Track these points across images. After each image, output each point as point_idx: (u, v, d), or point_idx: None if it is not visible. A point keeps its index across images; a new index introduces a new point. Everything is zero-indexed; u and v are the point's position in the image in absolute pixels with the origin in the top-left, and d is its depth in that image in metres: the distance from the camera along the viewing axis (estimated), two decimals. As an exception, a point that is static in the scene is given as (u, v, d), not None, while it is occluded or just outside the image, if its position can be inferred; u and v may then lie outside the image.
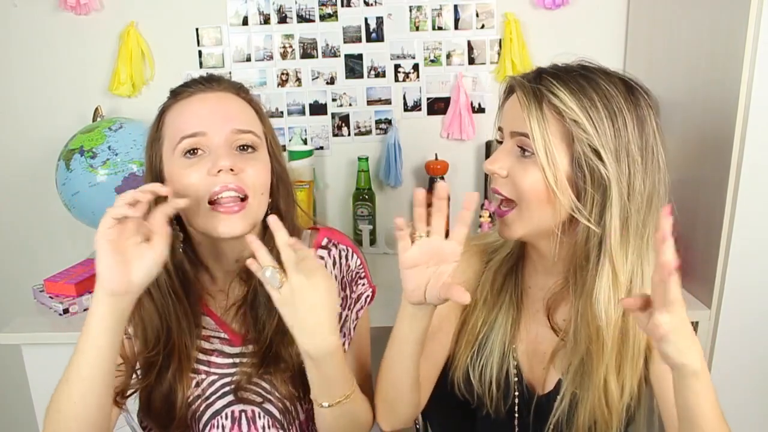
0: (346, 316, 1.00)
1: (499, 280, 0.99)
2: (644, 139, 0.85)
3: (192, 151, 0.87)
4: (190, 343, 0.94)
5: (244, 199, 0.87)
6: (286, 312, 0.82)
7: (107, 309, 0.79)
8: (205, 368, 0.96)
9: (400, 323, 0.89)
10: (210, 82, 0.92)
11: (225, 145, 0.87)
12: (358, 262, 1.03)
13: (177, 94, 0.92)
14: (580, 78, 0.85)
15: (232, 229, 0.86)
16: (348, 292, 1.01)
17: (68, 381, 0.84)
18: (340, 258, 1.01)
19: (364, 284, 1.03)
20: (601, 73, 0.86)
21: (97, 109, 1.71)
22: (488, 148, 1.81)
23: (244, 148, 0.89)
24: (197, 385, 0.96)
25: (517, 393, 0.98)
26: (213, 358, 0.96)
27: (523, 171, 0.86)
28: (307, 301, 0.80)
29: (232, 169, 0.85)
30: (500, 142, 0.91)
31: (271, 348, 0.93)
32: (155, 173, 0.92)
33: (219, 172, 0.85)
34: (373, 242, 1.78)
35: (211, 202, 0.86)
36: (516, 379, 0.97)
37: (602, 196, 0.84)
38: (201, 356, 0.96)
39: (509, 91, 0.91)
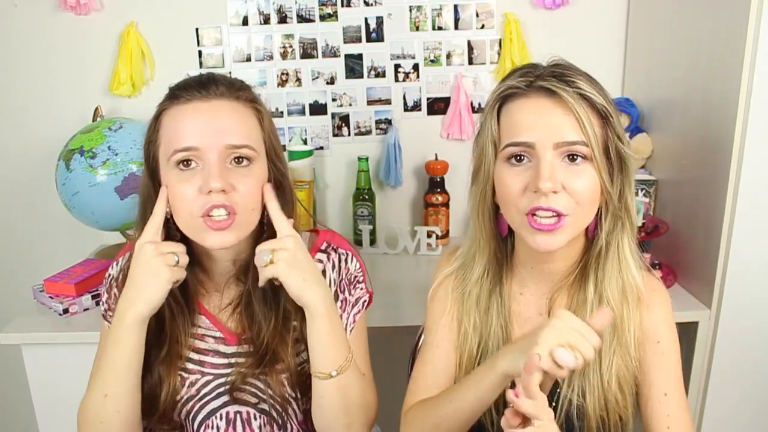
0: (344, 319, 1.00)
1: (483, 301, 0.97)
2: None
3: (185, 163, 0.87)
4: (183, 339, 0.94)
5: (233, 213, 0.87)
6: (295, 274, 0.88)
7: (140, 330, 0.88)
8: (199, 368, 0.96)
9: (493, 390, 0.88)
10: (207, 88, 0.88)
11: (218, 161, 0.86)
12: (358, 266, 1.02)
13: (174, 97, 0.90)
14: (575, 70, 0.87)
15: (221, 243, 0.88)
16: (347, 294, 1.00)
17: (108, 395, 0.90)
18: (339, 262, 1.00)
19: (362, 288, 1.02)
20: (579, 69, 0.89)
21: (97, 109, 1.71)
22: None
23: (238, 160, 0.88)
24: (191, 385, 0.95)
25: (512, 405, 0.96)
26: (207, 358, 0.96)
27: (577, 178, 0.83)
28: (306, 256, 0.90)
29: (223, 190, 0.85)
30: (519, 158, 0.85)
31: (269, 349, 0.93)
32: (152, 173, 0.92)
33: (210, 192, 0.85)
34: (373, 242, 1.78)
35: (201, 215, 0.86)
36: (511, 388, 0.96)
37: (625, 177, 0.87)
38: (194, 356, 0.96)
39: (504, 100, 0.88)
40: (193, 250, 0.96)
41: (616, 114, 0.86)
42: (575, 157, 0.83)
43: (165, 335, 0.93)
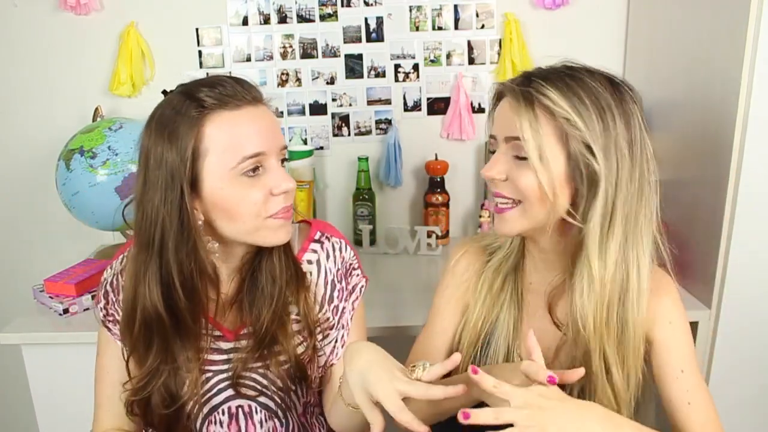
0: (344, 308, 1.02)
1: (499, 279, 1.01)
2: (631, 133, 0.87)
3: (254, 169, 0.88)
4: (203, 344, 0.94)
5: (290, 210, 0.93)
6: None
7: None
8: (199, 366, 0.96)
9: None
10: (250, 92, 0.89)
11: (278, 163, 0.90)
12: (352, 253, 1.04)
13: (219, 101, 0.85)
14: (567, 77, 0.87)
15: (287, 235, 0.92)
16: (344, 284, 1.02)
17: None
18: (334, 251, 1.02)
19: (358, 275, 1.04)
20: (585, 72, 0.89)
21: (97, 109, 1.71)
22: (488, 149, 1.81)
23: (282, 162, 0.92)
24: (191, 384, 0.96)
25: None
26: (207, 356, 0.97)
27: (519, 174, 0.88)
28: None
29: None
30: (492, 152, 0.93)
31: (268, 332, 0.94)
32: (191, 185, 0.85)
33: (281, 193, 0.89)
34: (373, 242, 1.78)
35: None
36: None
37: (593, 192, 0.86)
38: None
39: (498, 98, 0.94)
40: (206, 262, 0.91)
41: (591, 128, 0.84)
42: (520, 156, 0.88)
43: (189, 338, 0.92)
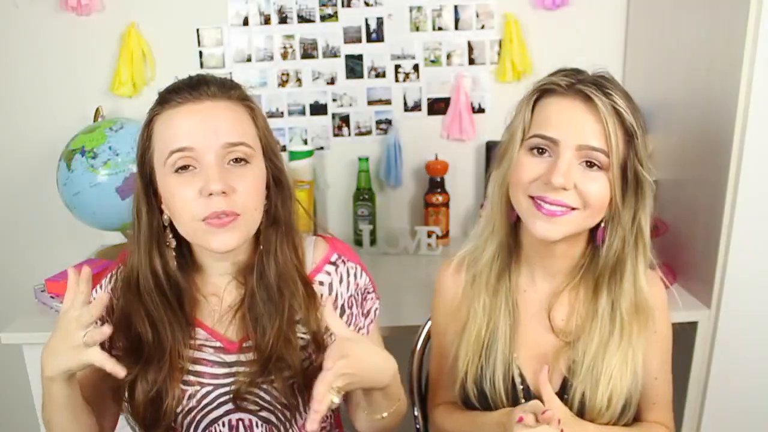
0: (358, 331, 0.99)
1: (493, 282, 0.99)
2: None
3: (183, 167, 0.85)
4: (183, 351, 0.92)
5: (235, 215, 0.85)
6: (364, 379, 0.83)
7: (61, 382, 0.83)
8: (199, 379, 0.94)
9: None
10: (198, 89, 0.86)
11: (216, 162, 0.84)
12: (367, 279, 1.01)
13: (165, 101, 0.87)
14: (615, 83, 0.90)
15: (225, 245, 0.85)
16: (355, 309, 0.99)
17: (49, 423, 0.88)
18: (348, 275, 0.99)
19: (372, 298, 1.02)
20: (620, 85, 0.91)
21: (98, 109, 1.71)
22: (488, 149, 1.81)
23: (237, 160, 0.86)
24: (191, 397, 0.94)
25: (524, 400, 0.97)
26: (207, 369, 0.94)
27: (590, 183, 0.87)
28: (365, 351, 0.84)
29: (224, 192, 0.83)
30: (541, 150, 0.89)
31: (273, 351, 0.91)
32: (146, 182, 0.91)
33: (210, 195, 0.83)
34: (373, 242, 1.79)
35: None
36: (522, 386, 0.97)
37: (639, 200, 0.90)
38: (192, 367, 0.94)
39: (542, 94, 0.91)
40: (192, 257, 0.95)
41: (643, 137, 0.88)
42: (592, 164, 0.86)
43: (164, 349, 0.91)
